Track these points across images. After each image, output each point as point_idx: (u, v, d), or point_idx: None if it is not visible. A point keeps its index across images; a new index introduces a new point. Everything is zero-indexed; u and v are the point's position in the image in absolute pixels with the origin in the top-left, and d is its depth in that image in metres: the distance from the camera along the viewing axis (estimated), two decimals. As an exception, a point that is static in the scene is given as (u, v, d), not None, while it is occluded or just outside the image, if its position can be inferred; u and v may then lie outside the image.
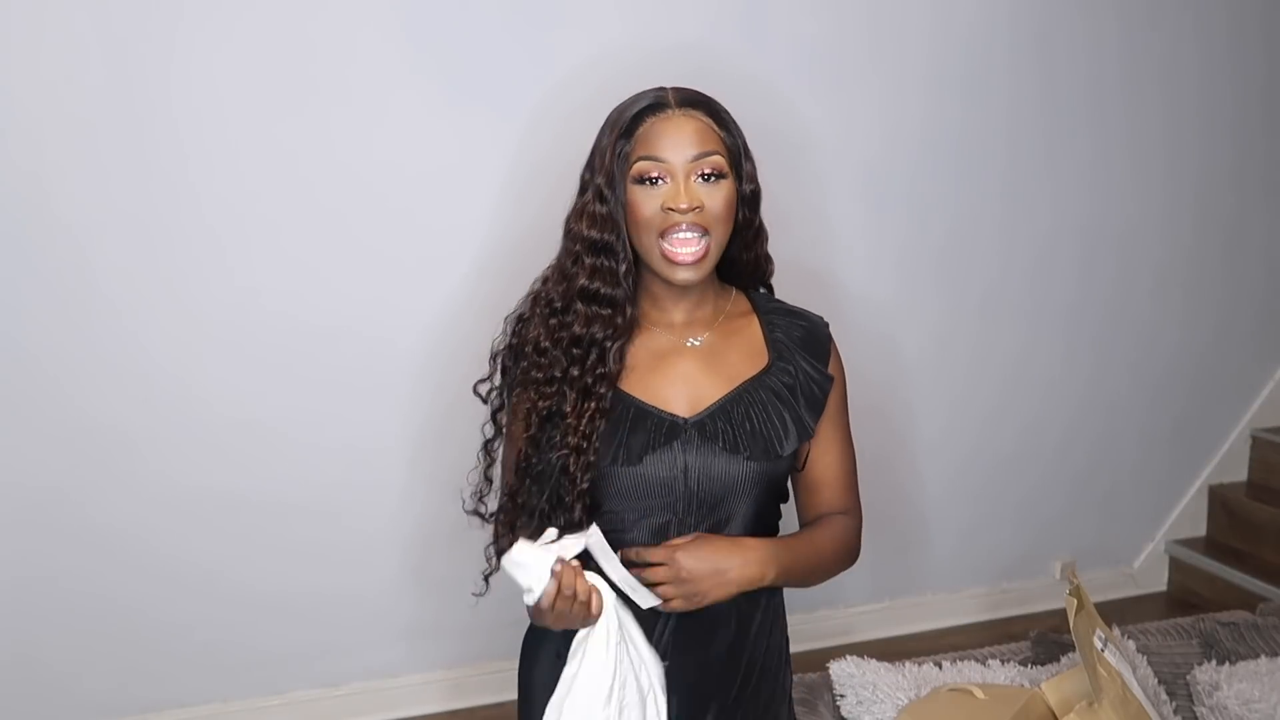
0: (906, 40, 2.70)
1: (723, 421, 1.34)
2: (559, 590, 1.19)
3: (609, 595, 1.25)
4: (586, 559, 1.24)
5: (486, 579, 1.40)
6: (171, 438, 2.35)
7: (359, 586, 2.54)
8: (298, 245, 2.35)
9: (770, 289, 1.50)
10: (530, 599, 1.20)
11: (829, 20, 2.62)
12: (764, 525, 1.40)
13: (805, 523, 1.45)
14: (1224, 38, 3.00)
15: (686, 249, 1.29)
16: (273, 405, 2.40)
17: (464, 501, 1.42)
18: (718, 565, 1.29)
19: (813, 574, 1.40)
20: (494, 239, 2.43)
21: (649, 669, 1.28)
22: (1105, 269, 3.02)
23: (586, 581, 1.22)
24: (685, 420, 1.34)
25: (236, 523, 2.42)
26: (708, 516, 1.35)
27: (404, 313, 2.45)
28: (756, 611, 1.41)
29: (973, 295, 2.90)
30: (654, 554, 1.30)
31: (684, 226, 1.28)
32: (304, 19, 2.27)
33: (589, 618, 1.23)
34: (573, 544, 1.22)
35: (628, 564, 1.29)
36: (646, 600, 1.28)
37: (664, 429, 1.33)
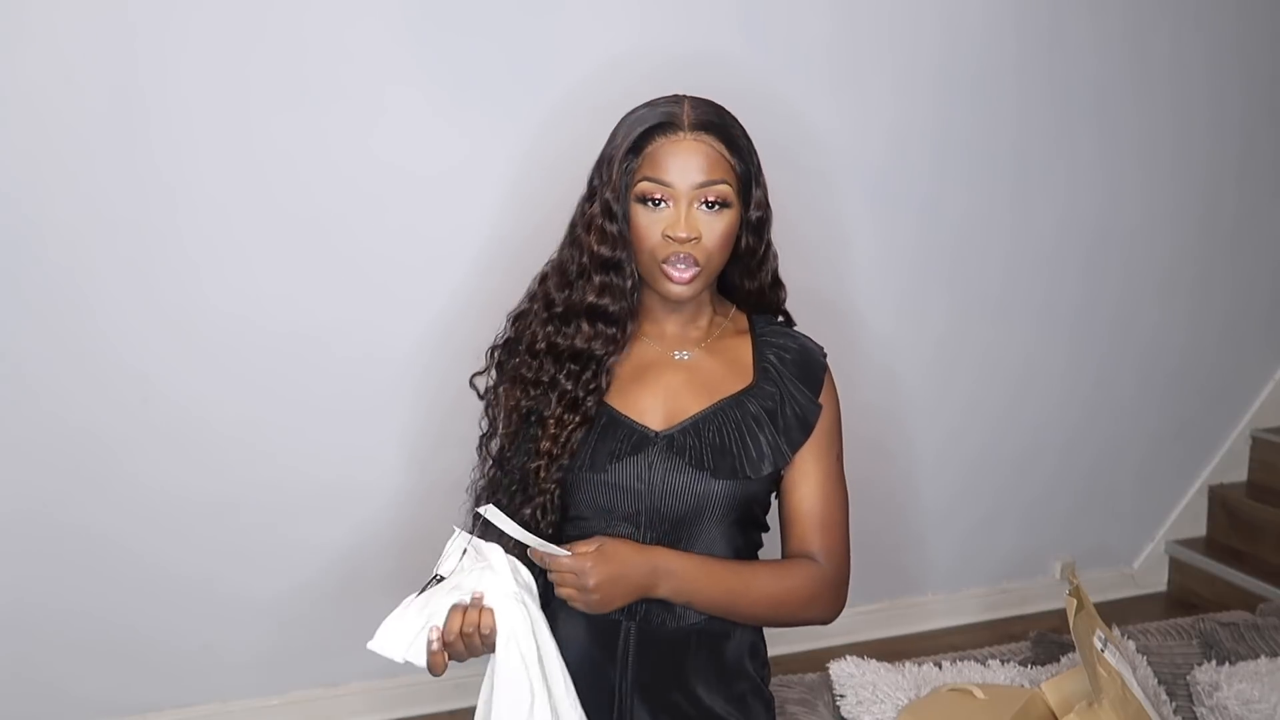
0: (915, 41, 2.69)
1: (692, 437, 1.32)
2: (443, 649, 1.20)
3: (503, 605, 1.20)
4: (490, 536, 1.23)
5: None
6: (170, 442, 2.35)
7: (359, 586, 2.54)
8: (292, 248, 2.34)
9: (788, 316, 1.46)
10: (423, 663, 1.19)
11: (836, 22, 2.61)
12: (734, 555, 1.36)
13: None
14: (1232, 37, 3.00)
15: (679, 274, 1.28)
16: (271, 407, 2.40)
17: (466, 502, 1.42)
18: (623, 572, 1.25)
19: (736, 607, 1.32)
20: (496, 242, 2.42)
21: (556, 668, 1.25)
22: (1109, 270, 3.02)
23: (459, 618, 1.19)
24: (656, 433, 1.33)
25: (236, 523, 2.42)
26: (669, 534, 1.32)
27: (403, 317, 2.44)
28: (727, 642, 1.38)
29: (979, 296, 2.90)
30: (560, 563, 1.23)
31: (680, 255, 1.27)
32: (298, 11, 2.26)
33: (490, 639, 1.20)
34: (463, 564, 1.22)
35: (536, 564, 1.26)
36: (561, 554, 1.23)
37: (633, 439, 1.32)
